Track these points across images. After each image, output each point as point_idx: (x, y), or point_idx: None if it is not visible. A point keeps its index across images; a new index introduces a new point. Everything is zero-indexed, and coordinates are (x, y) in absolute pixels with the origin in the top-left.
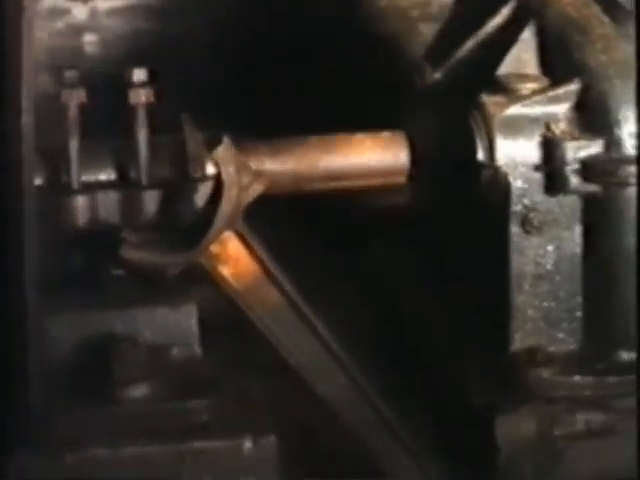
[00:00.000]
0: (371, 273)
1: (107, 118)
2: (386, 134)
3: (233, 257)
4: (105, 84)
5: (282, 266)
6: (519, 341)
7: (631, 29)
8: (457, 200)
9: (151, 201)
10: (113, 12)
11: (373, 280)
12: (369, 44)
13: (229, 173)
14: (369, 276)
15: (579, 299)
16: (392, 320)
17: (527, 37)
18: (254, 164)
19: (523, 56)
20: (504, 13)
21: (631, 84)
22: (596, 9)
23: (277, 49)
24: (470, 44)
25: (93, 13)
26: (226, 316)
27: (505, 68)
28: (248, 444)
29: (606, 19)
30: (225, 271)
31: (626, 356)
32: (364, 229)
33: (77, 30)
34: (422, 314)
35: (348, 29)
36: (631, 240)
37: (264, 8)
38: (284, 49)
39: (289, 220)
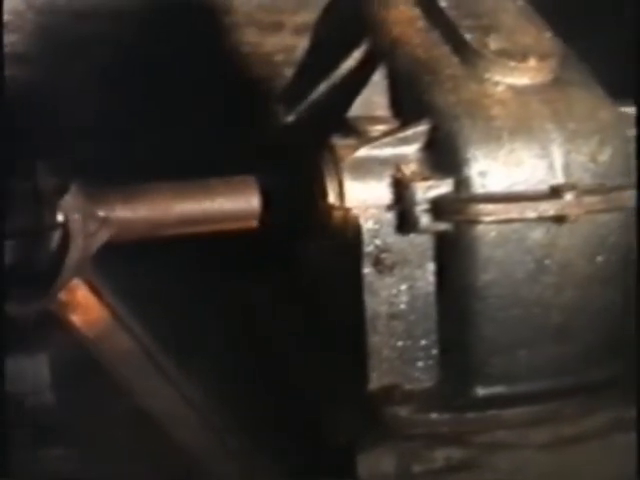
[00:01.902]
0: (231, 315)
1: None
2: (238, 179)
3: (83, 304)
4: None
5: (139, 312)
6: (376, 380)
7: (480, 69)
8: (312, 240)
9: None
10: None
11: (234, 322)
12: (233, 88)
13: (75, 221)
14: (229, 318)
15: (434, 337)
16: (252, 360)
17: (378, 79)
18: (104, 211)
19: (374, 98)
20: (356, 56)
21: (480, 123)
22: (445, 49)
23: (144, 93)
24: (323, 87)
25: None
26: (80, 363)
27: (356, 110)
28: None
29: (455, 59)
30: (75, 319)
31: (483, 391)
32: (222, 272)
33: None
34: (283, 354)
35: (213, 75)
36: (482, 277)
37: (134, 59)
38: (150, 92)
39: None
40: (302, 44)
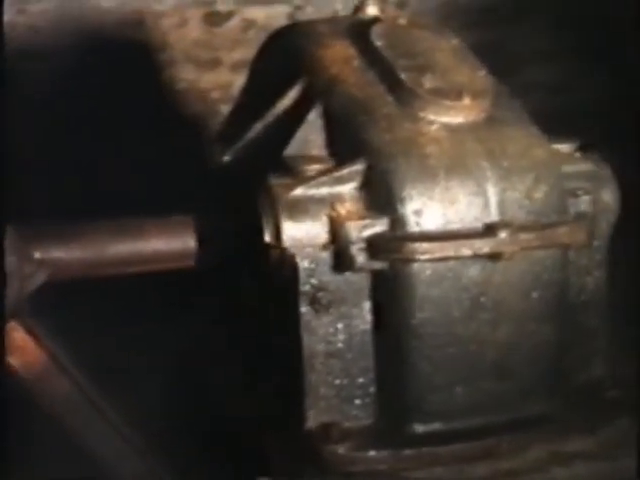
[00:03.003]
0: (168, 351)
1: None
2: (174, 219)
3: (20, 347)
4: None
5: (78, 350)
6: (313, 418)
7: (415, 108)
8: (249, 280)
9: None
10: None
11: (170, 358)
12: (170, 126)
13: (11, 263)
14: (168, 357)
15: (371, 375)
16: (190, 398)
17: (313, 118)
18: (40, 253)
19: (310, 137)
20: (292, 95)
21: (415, 162)
22: (380, 89)
23: (80, 129)
24: (259, 126)
25: None
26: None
27: (292, 149)
28: None
29: (390, 98)
30: (13, 361)
31: (420, 428)
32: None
33: None
34: (220, 392)
35: (149, 111)
36: (419, 314)
37: (70, 95)
38: (86, 129)
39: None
40: (239, 81)
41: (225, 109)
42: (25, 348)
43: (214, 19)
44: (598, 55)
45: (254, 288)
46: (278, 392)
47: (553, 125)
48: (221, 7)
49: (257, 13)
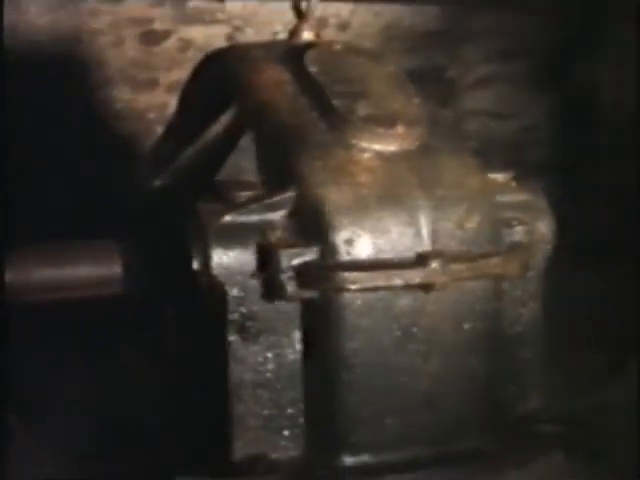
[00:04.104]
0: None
1: None
2: (98, 244)
3: None
4: None
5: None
6: (241, 449)
7: (347, 135)
8: (177, 307)
9: None
10: None
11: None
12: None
13: None
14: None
15: (301, 405)
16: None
17: (245, 144)
18: None
19: (241, 164)
20: (224, 120)
21: (346, 190)
22: (313, 115)
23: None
24: (190, 151)
25: None
26: None
27: (223, 175)
28: None
29: (323, 125)
30: None
31: (350, 460)
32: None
33: None
34: (149, 422)
35: (84, 132)
36: (349, 345)
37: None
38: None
39: None
40: (175, 102)
41: (161, 130)
42: None
43: (151, 38)
44: (540, 82)
45: (181, 316)
46: (205, 421)
47: (493, 152)
48: (158, 26)
49: (195, 33)
